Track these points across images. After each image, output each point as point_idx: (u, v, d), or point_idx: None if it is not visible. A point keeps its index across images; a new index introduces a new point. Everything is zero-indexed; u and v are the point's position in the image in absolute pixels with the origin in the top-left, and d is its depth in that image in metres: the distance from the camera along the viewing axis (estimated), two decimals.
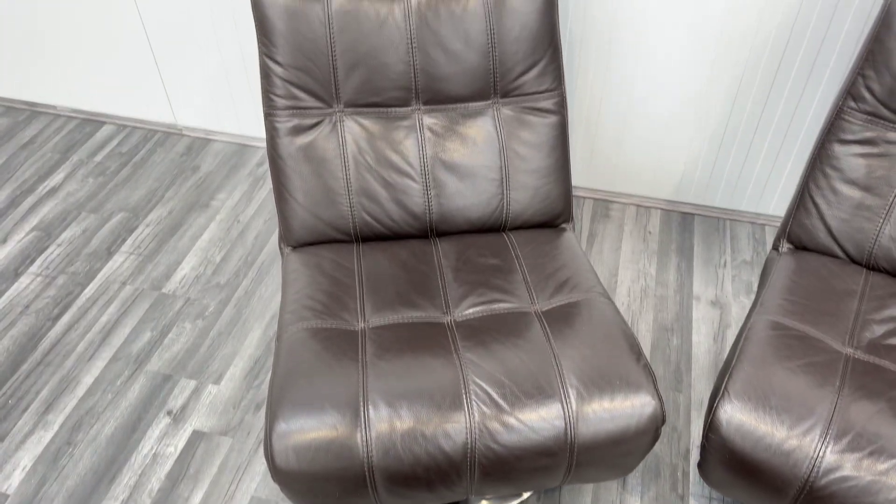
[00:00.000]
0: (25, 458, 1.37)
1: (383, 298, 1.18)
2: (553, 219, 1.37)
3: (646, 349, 1.57)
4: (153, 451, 1.39)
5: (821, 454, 0.96)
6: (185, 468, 1.36)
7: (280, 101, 1.26)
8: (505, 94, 1.31)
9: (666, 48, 1.61)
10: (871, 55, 1.19)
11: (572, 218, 1.40)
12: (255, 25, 1.24)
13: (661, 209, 1.91)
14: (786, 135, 1.69)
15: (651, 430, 1.02)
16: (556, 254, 1.28)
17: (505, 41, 1.27)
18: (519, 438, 1.00)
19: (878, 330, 1.13)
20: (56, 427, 1.42)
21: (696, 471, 1.36)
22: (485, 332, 1.11)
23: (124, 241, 1.81)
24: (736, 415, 1.01)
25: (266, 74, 1.26)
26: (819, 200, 1.27)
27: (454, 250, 1.30)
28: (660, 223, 1.87)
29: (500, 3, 1.26)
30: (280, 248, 1.34)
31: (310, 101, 1.27)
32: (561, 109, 1.33)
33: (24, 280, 1.71)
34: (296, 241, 1.32)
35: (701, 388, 1.49)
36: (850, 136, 1.23)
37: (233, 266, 1.75)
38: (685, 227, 1.86)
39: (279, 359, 1.08)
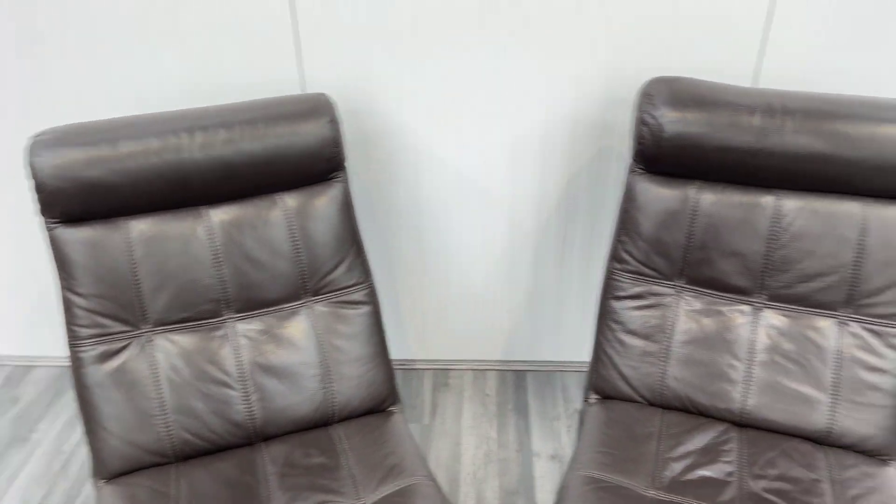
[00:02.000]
0: None
1: None
2: (380, 404, 1.41)
3: None
4: None
5: None
6: None
7: (83, 332, 1.25)
8: (316, 293, 1.38)
9: (466, 228, 1.78)
10: (623, 223, 1.39)
11: (399, 400, 1.45)
12: (55, 260, 1.26)
13: (496, 370, 2.01)
14: (585, 289, 1.87)
15: None
16: (383, 441, 1.31)
17: (310, 245, 1.36)
18: None
19: (677, 467, 1.23)
20: None
21: None
22: None
23: None
24: None
25: (67, 307, 1.26)
26: (610, 352, 1.40)
27: (281, 454, 1.29)
28: (496, 384, 1.96)
29: (301, 212, 1.36)
30: (93, 483, 1.27)
31: (116, 327, 1.27)
32: (372, 299, 1.42)
33: None
34: (109, 473, 1.25)
35: None
36: (622, 293, 1.40)
37: None
38: (519, 384, 1.96)
39: None
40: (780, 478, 1.21)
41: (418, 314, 1.93)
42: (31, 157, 1.21)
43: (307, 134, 1.33)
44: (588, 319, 1.92)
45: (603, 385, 1.41)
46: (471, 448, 1.76)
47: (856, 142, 1.23)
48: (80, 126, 1.27)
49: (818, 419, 1.28)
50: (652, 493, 1.17)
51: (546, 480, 1.66)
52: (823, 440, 1.28)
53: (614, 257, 1.40)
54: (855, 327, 1.28)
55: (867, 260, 1.26)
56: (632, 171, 1.38)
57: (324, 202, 1.38)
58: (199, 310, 1.32)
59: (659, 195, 1.35)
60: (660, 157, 1.32)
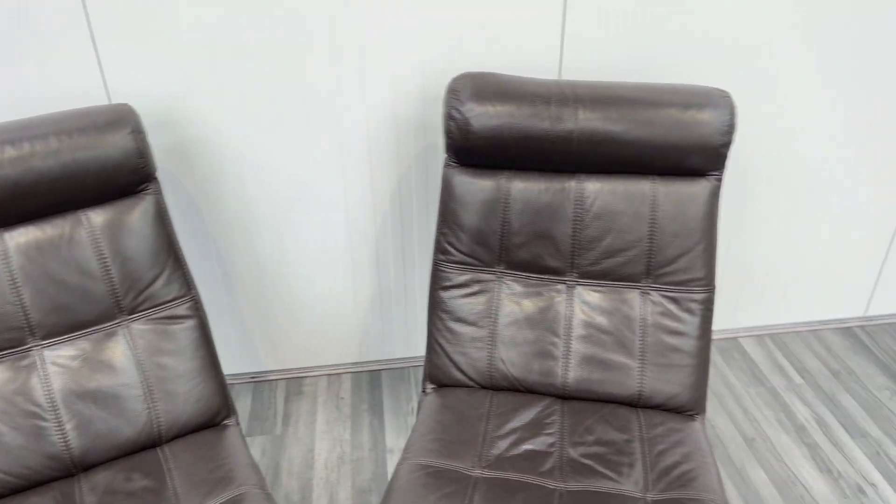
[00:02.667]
0: None
1: None
2: (212, 418, 1.37)
3: None
4: None
5: None
6: None
7: None
8: (133, 311, 1.33)
9: (305, 235, 1.77)
10: (444, 216, 1.43)
11: (234, 412, 1.42)
12: None
13: (351, 373, 2.01)
14: (427, 284, 1.91)
15: None
16: (213, 454, 1.28)
17: (122, 261, 1.31)
18: None
19: (503, 444, 1.28)
20: None
21: None
22: None
23: None
24: None
25: None
26: (441, 341, 1.44)
27: (102, 482, 1.23)
28: (351, 387, 1.96)
29: (109, 228, 1.30)
30: None
31: None
32: (196, 312, 1.38)
33: None
34: None
35: None
36: (449, 283, 1.44)
37: None
38: (374, 384, 1.97)
39: None
40: (596, 442, 1.29)
41: (265, 325, 1.90)
42: None
43: (108, 146, 1.27)
44: None
45: (437, 374, 1.45)
46: (324, 452, 1.75)
47: (640, 124, 1.33)
48: None
49: (631, 384, 1.38)
50: (478, 472, 1.22)
51: None
52: (636, 403, 1.38)
53: (439, 249, 1.44)
54: (655, 296, 1.39)
55: (659, 233, 1.36)
56: (447, 165, 1.42)
57: (134, 216, 1.33)
58: (0, 339, 1.23)
59: (473, 186, 1.40)
60: (469, 149, 1.37)
